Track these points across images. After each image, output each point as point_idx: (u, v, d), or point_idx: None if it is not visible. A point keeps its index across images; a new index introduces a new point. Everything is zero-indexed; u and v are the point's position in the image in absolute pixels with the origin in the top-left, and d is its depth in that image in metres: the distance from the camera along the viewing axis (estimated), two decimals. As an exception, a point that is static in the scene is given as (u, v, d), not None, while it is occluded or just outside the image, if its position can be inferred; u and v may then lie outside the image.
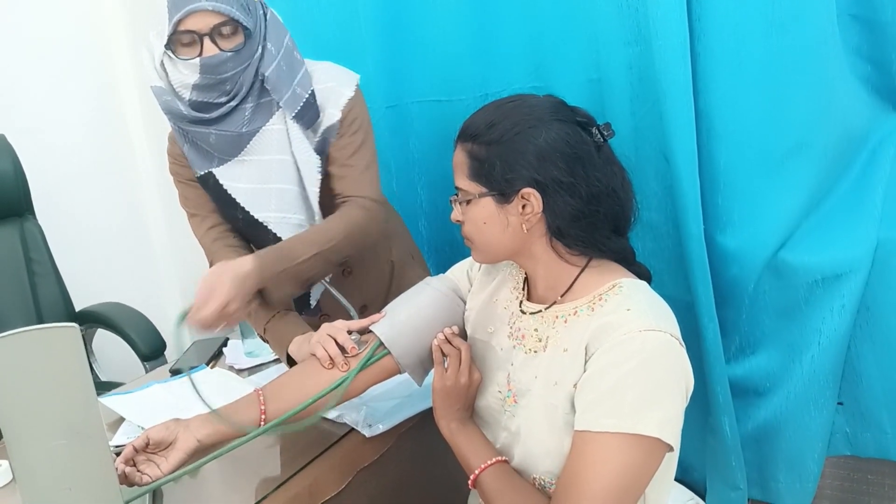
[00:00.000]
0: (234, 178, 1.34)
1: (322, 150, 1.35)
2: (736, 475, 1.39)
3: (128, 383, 1.52)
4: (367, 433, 1.22)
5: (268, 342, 1.38)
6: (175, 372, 1.51)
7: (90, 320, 2.13)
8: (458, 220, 1.03)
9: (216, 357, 1.57)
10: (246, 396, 1.14)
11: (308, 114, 1.32)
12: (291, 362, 1.30)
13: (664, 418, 0.89)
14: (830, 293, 1.31)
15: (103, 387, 1.95)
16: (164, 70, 1.28)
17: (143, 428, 1.25)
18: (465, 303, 1.16)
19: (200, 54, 1.23)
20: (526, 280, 1.08)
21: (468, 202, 1.00)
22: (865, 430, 1.36)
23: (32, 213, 2.10)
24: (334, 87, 1.35)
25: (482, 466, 1.01)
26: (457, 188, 1.01)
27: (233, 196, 1.34)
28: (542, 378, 0.99)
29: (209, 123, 1.29)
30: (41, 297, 2.07)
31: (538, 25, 1.47)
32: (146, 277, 2.46)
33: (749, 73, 1.27)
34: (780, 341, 1.37)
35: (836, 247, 1.32)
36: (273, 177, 1.33)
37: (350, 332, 1.14)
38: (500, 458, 1.02)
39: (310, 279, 1.29)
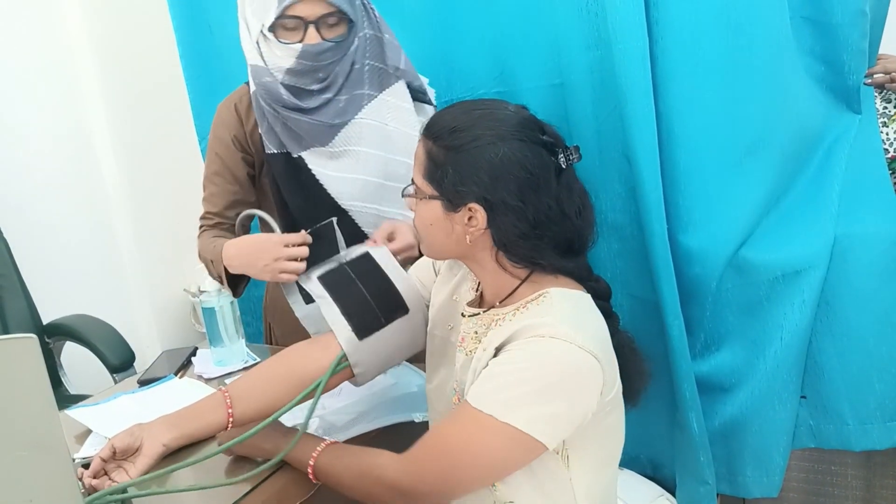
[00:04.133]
0: (323, 164, 1.36)
1: None
2: (704, 470, 1.41)
3: (95, 395, 1.50)
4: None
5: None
6: (143, 383, 1.49)
7: (58, 333, 2.10)
8: (411, 209, 1.04)
9: (185, 367, 1.55)
10: (211, 397, 1.13)
11: (426, 99, 1.40)
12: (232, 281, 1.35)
13: (539, 415, 0.90)
14: (791, 289, 1.35)
15: (73, 400, 1.92)
16: (259, 49, 1.29)
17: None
18: (429, 295, 1.17)
19: (302, 40, 1.25)
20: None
21: (419, 199, 1.00)
22: (828, 422, 1.39)
23: (-3, 225, 2.08)
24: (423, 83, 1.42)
25: (314, 454, 1.04)
26: (412, 180, 1.02)
27: (320, 182, 1.36)
28: (471, 376, 1.00)
29: (304, 112, 1.31)
30: (7, 310, 2.04)
31: (500, 32, 1.49)
32: (115, 288, 2.42)
33: (706, 75, 1.29)
34: (743, 337, 1.39)
35: (795, 243, 1.35)
36: (359, 168, 1.35)
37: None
38: (326, 441, 1.05)
39: None
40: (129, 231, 2.42)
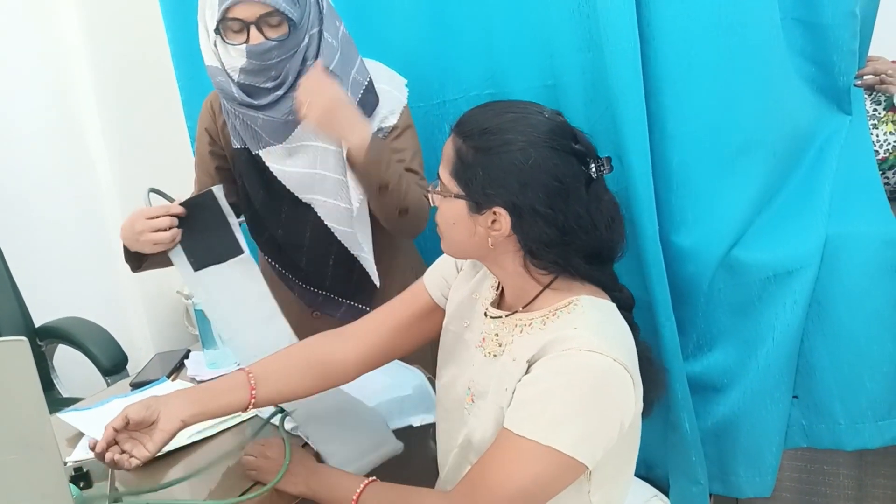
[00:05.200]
0: (280, 160, 1.39)
1: None
2: (697, 470, 1.41)
3: (87, 398, 1.50)
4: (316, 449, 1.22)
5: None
6: (136, 386, 1.49)
7: (50, 335, 2.09)
8: (435, 205, 1.03)
9: (178, 369, 1.55)
10: (232, 376, 1.11)
11: (369, 100, 1.37)
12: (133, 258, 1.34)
13: (581, 437, 0.89)
14: (782, 289, 1.35)
15: (65, 403, 1.90)
16: (217, 50, 1.32)
17: (103, 443, 1.23)
18: (448, 290, 1.18)
19: (247, 41, 1.27)
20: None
21: (443, 196, 0.99)
22: (820, 422, 1.40)
23: (-11, 227, 2.07)
24: (391, 90, 1.41)
25: (354, 496, 1.02)
26: (438, 176, 1.01)
27: (279, 178, 1.39)
28: (496, 383, 1.00)
29: (258, 109, 1.34)
30: (-1, 313, 2.04)
31: (493, 33, 1.49)
32: (107, 290, 2.42)
33: (698, 76, 1.30)
34: (735, 337, 1.40)
35: (786, 243, 1.35)
36: (318, 163, 1.37)
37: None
38: (367, 480, 1.03)
39: (383, 189, 1.31)
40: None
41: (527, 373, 0.94)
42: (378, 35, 1.62)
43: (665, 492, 1.49)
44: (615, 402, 0.92)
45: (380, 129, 1.40)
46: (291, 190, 1.40)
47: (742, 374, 1.39)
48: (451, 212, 0.99)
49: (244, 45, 1.28)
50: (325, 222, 1.41)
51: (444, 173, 0.99)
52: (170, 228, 1.23)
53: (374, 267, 1.43)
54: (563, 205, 0.93)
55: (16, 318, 2.05)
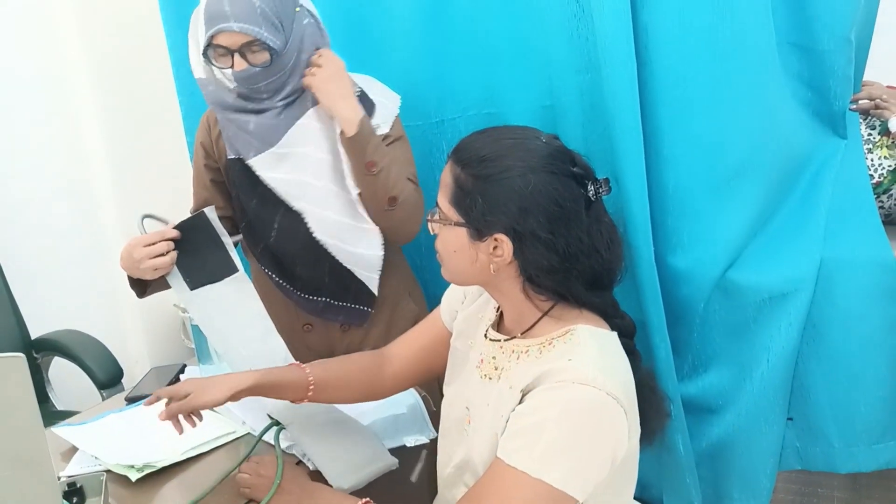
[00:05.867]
0: (270, 168, 1.40)
1: None
2: (691, 492, 1.41)
3: (83, 412, 1.49)
4: (311, 466, 1.22)
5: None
6: (131, 400, 1.48)
7: (46, 348, 2.09)
8: (434, 233, 1.04)
9: (173, 384, 1.55)
10: (293, 372, 1.15)
11: (364, 106, 1.38)
12: (137, 285, 1.35)
13: (571, 471, 0.89)
14: (777, 311, 1.35)
15: (60, 416, 1.90)
16: (208, 62, 1.35)
17: (97, 458, 1.23)
18: (455, 313, 1.18)
19: (232, 66, 1.31)
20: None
21: (443, 224, 1.00)
22: (814, 444, 1.40)
23: (-13, 239, 2.07)
24: (384, 102, 1.44)
25: None
26: (437, 204, 1.01)
27: (271, 186, 1.40)
28: (492, 407, 0.99)
29: (250, 112, 1.37)
30: (-5, 324, 2.04)
31: (492, 54, 1.50)
32: (105, 304, 2.41)
33: (694, 99, 1.31)
34: (730, 359, 1.40)
35: (781, 266, 1.36)
36: (308, 169, 1.39)
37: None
38: (362, 501, 1.03)
39: (370, 167, 1.34)
40: (119, 246, 2.41)
41: (521, 402, 0.94)
42: (377, 53, 1.64)
43: (659, 513, 1.49)
44: (607, 437, 0.91)
45: None
46: (282, 196, 1.41)
47: (737, 396, 1.39)
48: (451, 239, 0.99)
49: (230, 71, 1.32)
50: (316, 236, 1.41)
51: (443, 201, 0.99)
52: (167, 253, 1.25)
53: (375, 276, 1.45)
54: (564, 229, 0.93)
55: (12, 331, 2.05)
